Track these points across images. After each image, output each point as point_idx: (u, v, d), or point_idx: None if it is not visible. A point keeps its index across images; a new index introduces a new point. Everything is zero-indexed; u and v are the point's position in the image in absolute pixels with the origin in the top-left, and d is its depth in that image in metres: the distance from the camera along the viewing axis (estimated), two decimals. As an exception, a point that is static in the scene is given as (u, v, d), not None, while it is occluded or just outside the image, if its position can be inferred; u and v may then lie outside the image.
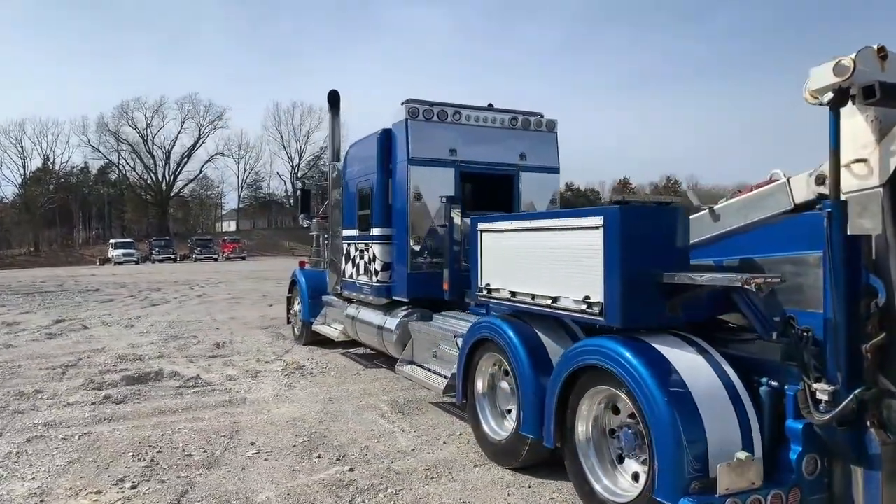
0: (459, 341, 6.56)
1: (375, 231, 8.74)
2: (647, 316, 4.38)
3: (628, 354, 4.12)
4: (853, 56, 3.81)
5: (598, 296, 4.47)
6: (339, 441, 6.25)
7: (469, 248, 6.22)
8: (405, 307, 8.35)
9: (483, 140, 8.54)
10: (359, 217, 9.33)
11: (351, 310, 9.78)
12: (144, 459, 5.69)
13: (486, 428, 5.84)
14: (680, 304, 4.44)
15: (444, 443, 6.21)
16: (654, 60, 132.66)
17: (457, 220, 7.09)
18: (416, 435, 6.44)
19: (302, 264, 13.29)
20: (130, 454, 5.83)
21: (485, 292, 5.86)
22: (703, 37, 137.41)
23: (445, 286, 7.04)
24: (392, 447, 6.08)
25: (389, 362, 9.73)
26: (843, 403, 3.70)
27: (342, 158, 10.06)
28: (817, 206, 4.71)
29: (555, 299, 4.91)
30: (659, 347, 4.19)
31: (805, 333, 4.05)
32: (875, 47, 3.95)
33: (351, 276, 9.63)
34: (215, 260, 61.88)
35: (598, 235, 4.44)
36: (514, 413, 5.71)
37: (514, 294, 5.43)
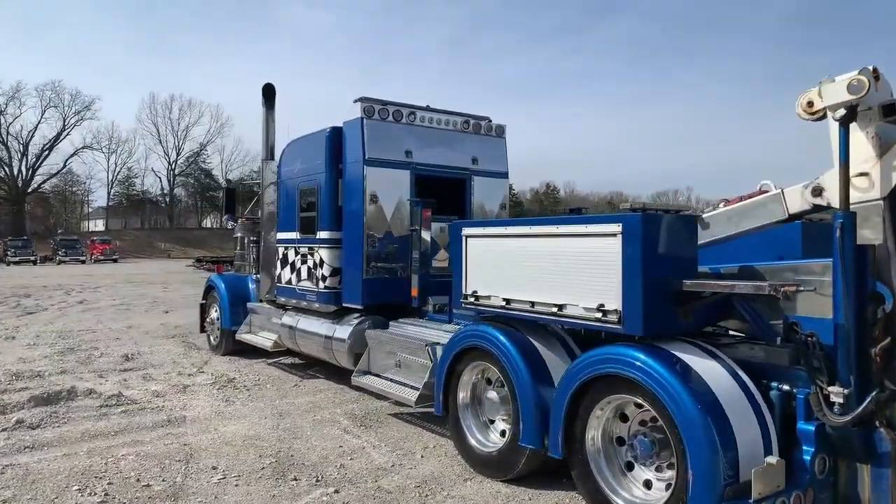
0: (434, 350, 6.35)
1: (323, 234, 8.30)
2: (666, 324, 4.39)
3: (655, 363, 4.11)
4: (864, 76, 4.01)
5: (614, 304, 4.43)
6: (309, 460, 5.83)
7: (451, 255, 6.01)
8: (357, 315, 7.98)
9: (437, 143, 8.36)
10: (300, 219, 8.83)
11: (287, 318, 9.23)
12: (96, 494, 4.99)
13: (472, 440, 5.66)
14: (691, 311, 4.50)
15: (422, 457, 5.96)
16: (533, 67, 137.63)
17: (424, 230, 6.84)
18: (388, 449, 6.13)
19: (219, 269, 12.47)
20: (76, 488, 5.10)
21: (472, 300, 5.68)
22: (586, 47, 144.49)
23: (414, 292, 6.78)
24: (369, 464, 5.75)
25: (326, 372, 9.31)
26: (864, 405, 3.87)
27: (277, 157, 9.50)
28: (807, 217, 4.97)
29: (560, 307, 4.82)
30: (680, 355, 4.21)
31: (810, 338, 4.22)
32: (871, 68, 4.19)
33: (289, 282, 9.10)
34: (83, 262, 56.96)
35: (616, 242, 4.40)
36: (502, 424, 5.59)
37: (508, 301, 5.30)
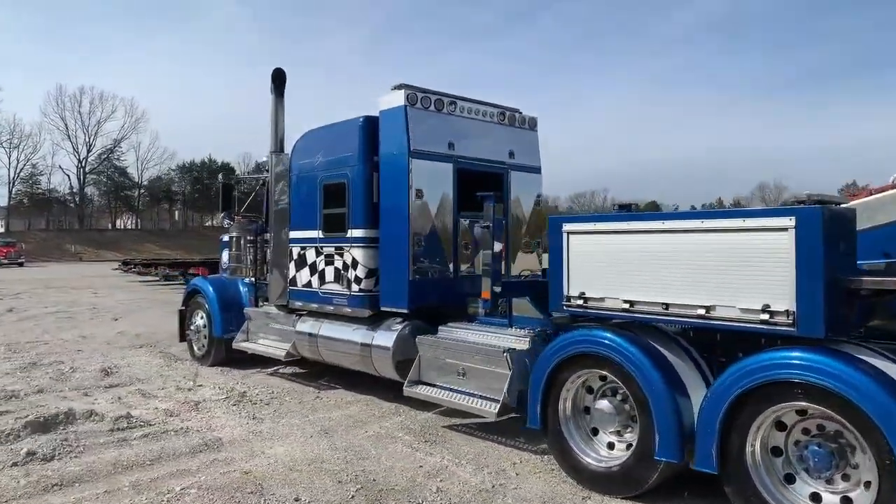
0: (515, 357, 5.85)
1: (356, 233, 7.61)
2: (842, 325, 4.09)
3: (855, 371, 3.79)
4: None
5: (784, 304, 4.10)
6: (397, 484, 5.20)
7: (551, 252, 5.52)
8: (398, 319, 7.35)
9: (476, 135, 7.84)
10: (324, 217, 8.09)
11: (304, 324, 8.46)
12: (180, 539, 4.20)
13: (581, 455, 5.19)
14: (858, 311, 4.23)
15: (517, 474, 5.44)
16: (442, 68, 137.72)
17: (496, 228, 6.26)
18: (474, 468, 5.58)
19: (203, 272, 11.43)
20: (150, 534, 4.28)
21: (578, 302, 5.22)
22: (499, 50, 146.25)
23: (486, 295, 6.22)
24: (466, 486, 5.18)
25: (343, 382, 8.67)
26: None
27: (290, 149, 8.69)
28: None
29: (708, 308, 4.44)
30: (872, 361, 3.92)
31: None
32: None
33: (307, 285, 8.32)
34: (-16, 267, 52.23)
35: (788, 237, 4.07)
36: (610, 436, 5.17)
37: (631, 304, 4.87)
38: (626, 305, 4.91)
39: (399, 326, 7.28)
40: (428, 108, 7.37)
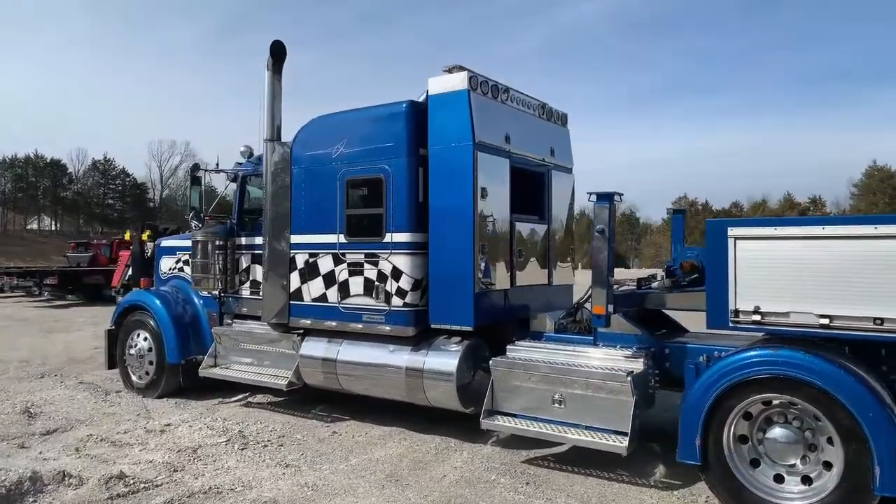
0: (633, 381, 5.12)
1: (400, 237, 6.44)
2: None
3: None
4: None
5: None
6: (557, 546, 4.23)
7: (710, 261, 4.82)
8: (455, 339, 6.30)
9: (526, 128, 7.02)
10: (347, 218, 6.81)
11: (313, 346, 7.10)
12: None
13: (756, 491, 4.54)
14: None
15: (672, 519, 4.69)
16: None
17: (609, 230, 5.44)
18: (615, 514, 4.75)
19: (145, 284, 9.43)
20: None
21: (754, 317, 4.57)
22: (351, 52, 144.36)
23: (598, 310, 5.38)
24: (633, 540, 4.34)
25: (342, 408, 7.62)
26: None
27: (294, 136, 7.28)
28: None
29: (940, 323, 3.98)
30: None
31: None
32: None
33: (321, 299, 6.97)
34: None
35: None
36: (778, 468, 4.59)
37: (830, 318, 4.31)
38: (824, 321, 4.34)
39: (457, 347, 6.23)
40: (486, 94, 6.43)
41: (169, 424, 7.10)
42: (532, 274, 7.00)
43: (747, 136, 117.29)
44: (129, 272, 21.11)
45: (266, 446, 6.37)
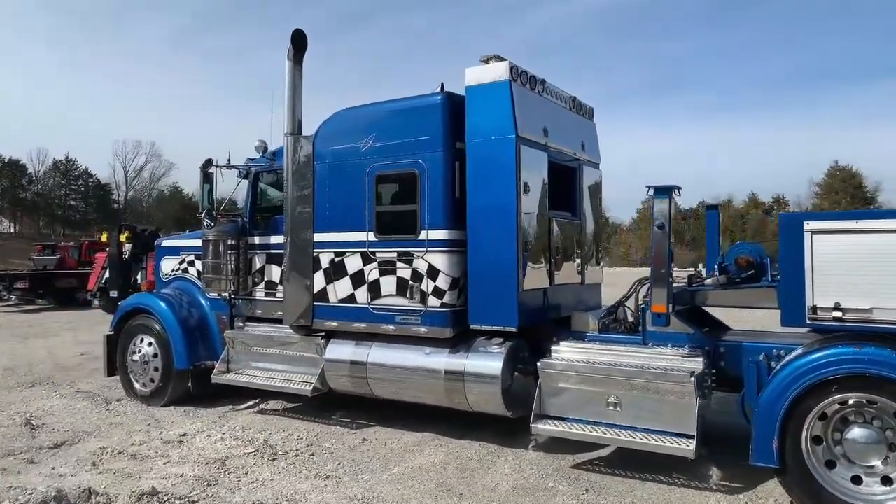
0: (696, 382, 4.94)
1: (437, 234, 6.16)
2: None
3: None
4: None
5: None
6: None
7: (784, 256, 4.65)
8: (497, 340, 6.05)
9: (560, 122, 6.80)
10: (377, 215, 6.51)
11: (340, 349, 6.78)
12: None
13: (836, 493, 4.39)
14: None
15: (749, 524, 4.51)
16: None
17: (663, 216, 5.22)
18: (688, 521, 4.56)
19: (149, 286, 8.96)
20: None
21: (835, 314, 4.42)
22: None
23: (659, 308, 5.18)
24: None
25: (363, 412, 7.35)
26: None
27: (316, 130, 6.94)
28: None
29: None
30: None
31: None
32: None
33: (348, 300, 6.64)
34: None
35: None
36: (855, 468, 4.45)
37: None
38: (914, 318, 4.21)
39: (499, 348, 5.98)
40: (525, 85, 6.20)
41: (185, 434, 6.72)
42: (567, 272, 6.79)
43: (707, 136, 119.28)
44: (106, 275, 20.69)
45: (297, 456, 6.03)
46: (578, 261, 7.06)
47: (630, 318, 6.37)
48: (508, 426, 6.47)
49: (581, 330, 6.24)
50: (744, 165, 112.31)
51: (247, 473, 5.55)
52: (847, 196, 71.80)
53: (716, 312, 6.21)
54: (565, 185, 7.01)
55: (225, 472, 5.57)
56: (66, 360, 11.63)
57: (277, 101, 7.20)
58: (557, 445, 6.03)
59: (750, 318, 6.69)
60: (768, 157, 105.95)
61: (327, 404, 7.59)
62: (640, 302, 5.98)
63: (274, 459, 5.91)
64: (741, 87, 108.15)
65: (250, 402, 8.06)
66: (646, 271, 5.82)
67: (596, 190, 7.57)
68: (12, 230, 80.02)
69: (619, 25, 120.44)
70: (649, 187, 5.19)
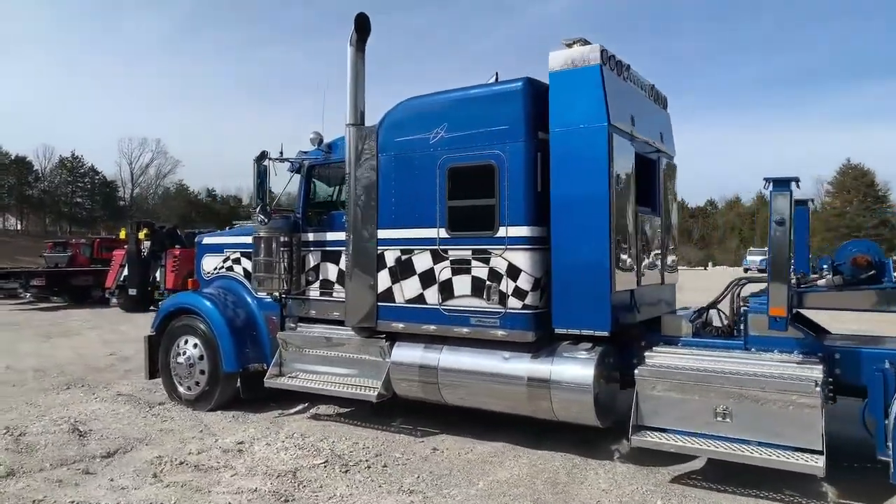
0: (818, 392, 4.53)
1: (516, 231, 5.75)
2: None
3: None
4: None
5: None
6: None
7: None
8: (583, 345, 5.64)
9: (643, 111, 6.40)
10: (449, 210, 6.10)
11: (407, 353, 6.39)
12: None
13: None
14: None
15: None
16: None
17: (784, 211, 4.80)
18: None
19: (193, 284, 8.56)
20: None
21: None
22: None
23: (778, 311, 4.76)
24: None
25: (423, 418, 6.99)
26: None
27: (380, 120, 6.54)
28: None
29: None
30: None
31: None
32: None
33: (417, 300, 6.24)
34: None
35: None
36: None
37: None
38: None
39: (587, 354, 5.57)
40: (614, 70, 5.78)
41: (241, 442, 6.33)
42: (651, 272, 6.38)
43: (713, 135, 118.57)
44: (125, 272, 20.30)
45: (370, 468, 5.63)
46: (659, 260, 6.65)
47: (724, 322, 5.96)
48: (583, 435, 6.09)
49: (673, 334, 5.83)
50: (744, 166, 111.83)
51: (321, 487, 5.16)
52: (859, 194, 71.27)
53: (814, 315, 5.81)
54: (646, 178, 6.59)
55: (298, 485, 5.17)
56: (96, 360, 11.24)
57: (330, 91, 6.83)
58: (645, 457, 5.62)
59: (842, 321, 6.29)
60: (768, 156, 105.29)
61: (381, 409, 7.19)
62: (741, 304, 5.57)
63: (346, 471, 5.52)
64: (741, 86, 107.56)
65: (300, 407, 7.68)
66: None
67: (673, 183, 7.16)
68: (19, 227, 79.79)
69: (619, 25, 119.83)
70: (767, 180, 4.76)
